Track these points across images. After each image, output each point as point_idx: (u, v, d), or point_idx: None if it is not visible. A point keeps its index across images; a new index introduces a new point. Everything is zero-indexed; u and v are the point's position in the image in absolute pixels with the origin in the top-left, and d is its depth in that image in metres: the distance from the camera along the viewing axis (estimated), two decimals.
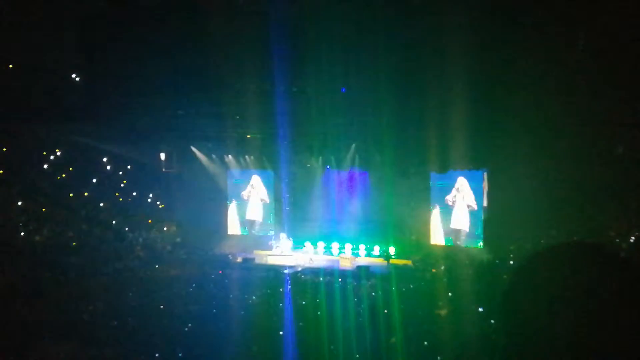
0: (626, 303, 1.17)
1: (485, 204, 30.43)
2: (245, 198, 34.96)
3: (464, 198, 30.84)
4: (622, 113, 25.86)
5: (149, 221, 34.98)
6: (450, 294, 22.99)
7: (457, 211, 30.96)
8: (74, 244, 29.71)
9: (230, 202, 34.62)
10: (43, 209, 31.81)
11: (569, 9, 24.36)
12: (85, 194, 34.17)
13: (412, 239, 31.73)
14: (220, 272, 28.89)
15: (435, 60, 26.20)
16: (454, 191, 31.01)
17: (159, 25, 28.91)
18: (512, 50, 25.74)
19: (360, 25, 26.89)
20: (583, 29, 24.58)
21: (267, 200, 34.57)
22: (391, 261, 30.08)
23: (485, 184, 30.47)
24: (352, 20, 26.59)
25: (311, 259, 29.91)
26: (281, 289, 24.52)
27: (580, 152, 26.47)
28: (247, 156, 34.07)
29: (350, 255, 30.28)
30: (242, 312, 21.85)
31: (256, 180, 34.76)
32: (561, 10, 24.72)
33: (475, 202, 30.47)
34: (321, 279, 27.09)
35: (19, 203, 31.19)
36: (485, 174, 30.33)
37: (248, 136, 32.85)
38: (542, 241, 24.73)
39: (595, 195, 26.69)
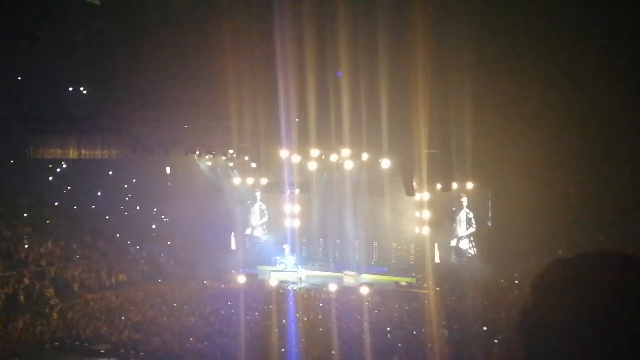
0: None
1: (489, 222, 30.41)
2: (250, 214, 35.03)
3: (467, 216, 30.87)
4: (626, 131, 25.94)
5: (153, 235, 35.02)
6: (454, 312, 22.91)
7: (461, 229, 30.96)
8: (77, 256, 29.70)
9: (234, 217, 34.59)
10: (47, 221, 31.85)
11: (574, 31, 24.57)
12: (92, 206, 34.28)
13: (415, 256, 31.64)
14: (223, 286, 28.84)
15: (440, 81, 26.39)
16: (457, 210, 31.05)
17: (167, 40, 29.18)
18: (519, 73, 25.92)
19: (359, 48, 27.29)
20: (588, 49, 24.77)
21: (269, 217, 34.64)
22: (394, 279, 30.03)
23: (489, 203, 30.47)
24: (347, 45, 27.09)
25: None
26: (284, 305, 24.43)
27: (585, 171, 26.49)
28: (252, 171, 34.05)
29: (355, 272, 30.21)
30: (244, 328, 21.78)
31: (261, 197, 34.84)
32: (565, 32, 24.95)
33: (478, 221, 30.51)
34: (323, 295, 27.03)
35: (25, 215, 31.26)
36: (489, 193, 30.35)
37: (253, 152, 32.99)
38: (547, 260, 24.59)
39: (600, 214, 26.68)
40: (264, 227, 35.08)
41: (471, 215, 30.91)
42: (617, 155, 27.33)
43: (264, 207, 35.09)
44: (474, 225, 30.87)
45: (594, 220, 27.04)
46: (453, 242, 31.16)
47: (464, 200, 30.90)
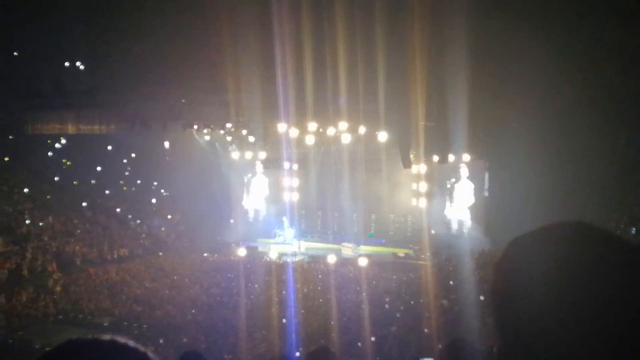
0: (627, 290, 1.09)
1: (486, 193, 30.58)
2: (248, 187, 35.20)
3: (464, 188, 31.01)
4: (625, 106, 25.97)
5: (153, 209, 35.23)
6: (451, 282, 23.18)
7: (457, 201, 31.14)
8: (78, 231, 29.95)
9: (233, 191, 34.79)
10: (48, 196, 32.04)
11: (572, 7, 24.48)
12: (92, 181, 34.46)
13: (413, 228, 31.91)
14: (224, 259, 29.13)
15: (436, 54, 26.36)
16: (456, 181, 31.17)
17: (164, 14, 29.05)
18: (514, 45, 25.84)
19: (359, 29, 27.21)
20: (585, 24, 24.69)
21: (269, 190, 34.79)
22: (392, 250, 30.30)
23: (486, 174, 30.60)
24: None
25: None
26: (284, 276, 24.72)
27: (583, 144, 26.56)
28: (251, 145, 34.11)
29: (353, 244, 30.46)
30: (245, 300, 22.11)
31: (259, 170, 34.96)
32: (564, 7, 24.85)
33: (475, 192, 30.68)
34: (322, 266, 27.30)
35: (25, 190, 31.42)
36: (486, 163, 30.46)
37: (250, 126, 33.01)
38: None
39: (596, 187, 26.81)
40: (263, 200, 35.29)
41: (472, 186, 31.01)
42: (616, 125, 27.37)
43: (264, 180, 35.25)
44: (473, 197, 31.05)
45: (593, 188, 27.16)
46: (451, 214, 31.36)
47: (464, 171, 30.95)
